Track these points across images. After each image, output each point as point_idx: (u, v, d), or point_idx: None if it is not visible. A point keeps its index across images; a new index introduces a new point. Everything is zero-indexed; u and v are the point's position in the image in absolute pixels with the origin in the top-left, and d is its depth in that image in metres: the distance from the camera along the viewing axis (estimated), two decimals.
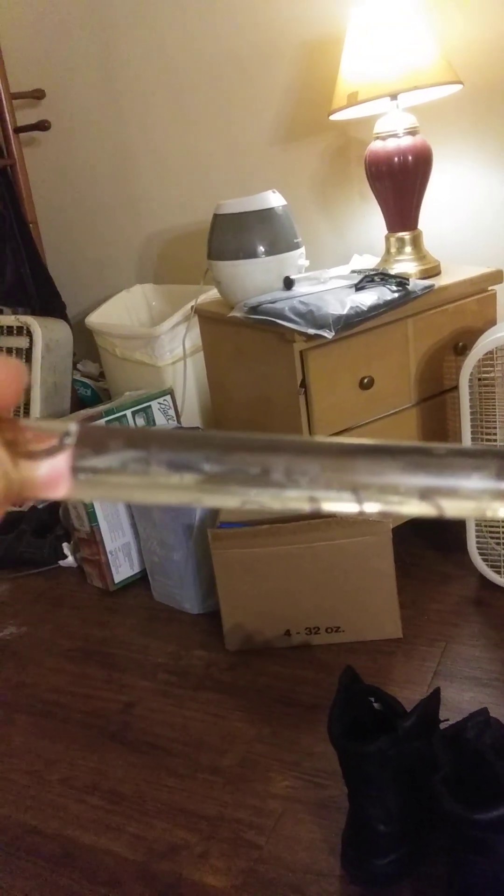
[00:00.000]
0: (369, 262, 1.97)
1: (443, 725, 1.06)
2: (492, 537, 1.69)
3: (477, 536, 1.70)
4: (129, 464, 0.20)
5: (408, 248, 1.86)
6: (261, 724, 1.41)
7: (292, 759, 1.32)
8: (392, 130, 1.76)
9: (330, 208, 2.23)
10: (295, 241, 1.73)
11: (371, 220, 2.15)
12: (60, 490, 0.20)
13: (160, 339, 1.90)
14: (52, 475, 0.20)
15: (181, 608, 1.77)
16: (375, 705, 1.06)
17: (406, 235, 1.85)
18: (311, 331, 1.53)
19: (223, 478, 0.21)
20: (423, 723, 1.02)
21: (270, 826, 1.20)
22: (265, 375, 1.71)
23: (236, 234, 1.69)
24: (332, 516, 1.51)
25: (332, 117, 1.79)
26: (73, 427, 0.21)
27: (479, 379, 1.59)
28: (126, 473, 0.20)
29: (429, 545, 1.91)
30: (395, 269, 1.84)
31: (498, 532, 1.69)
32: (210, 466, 0.21)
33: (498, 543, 1.69)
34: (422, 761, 1.00)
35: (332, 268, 1.97)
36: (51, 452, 0.20)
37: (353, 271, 1.84)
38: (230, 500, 0.21)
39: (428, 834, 1.07)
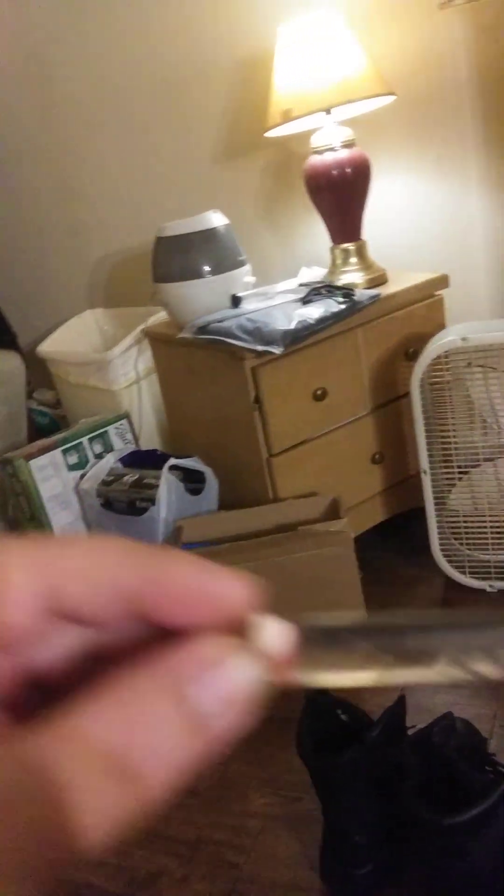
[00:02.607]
0: (318, 273, 1.99)
1: (411, 731, 1.07)
2: (455, 538, 1.71)
3: (440, 538, 1.72)
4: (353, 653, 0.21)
5: (353, 259, 1.88)
6: (237, 743, 1.41)
7: (268, 775, 1.32)
8: (328, 144, 1.78)
9: (276, 223, 2.25)
10: (239, 258, 1.75)
11: (317, 231, 2.17)
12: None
13: (112, 363, 1.90)
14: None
15: None
16: (342, 717, 1.06)
17: (350, 246, 1.87)
18: (260, 347, 1.54)
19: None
20: (390, 731, 1.03)
21: (250, 845, 1.20)
22: (219, 394, 1.72)
23: (180, 256, 1.70)
24: (293, 530, 1.52)
25: (267, 135, 1.81)
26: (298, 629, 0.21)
27: (431, 383, 1.62)
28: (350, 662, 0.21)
29: (395, 550, 1.92)
30: (342, 280, 1.86)
31: (460, 532, 1.70)
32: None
33: (461, 543, 1.71)
34: (392, 769, 1.01)
35: (280, 282, 1.98)
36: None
37: (300, 285, 1.85)
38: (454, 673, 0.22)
39: (406, 841, 1.07)
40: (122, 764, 0.16)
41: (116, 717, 0.16)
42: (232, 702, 0.17)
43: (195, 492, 1.72)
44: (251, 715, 0.16)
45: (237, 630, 0.18)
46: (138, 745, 0.16)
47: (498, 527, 1.67)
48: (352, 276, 1.87)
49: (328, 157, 1.78)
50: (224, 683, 0.17)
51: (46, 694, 0.19)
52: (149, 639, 0.19)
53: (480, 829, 0.91)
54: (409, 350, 1.82)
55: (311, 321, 1.59)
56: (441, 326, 1.87)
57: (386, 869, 1.06)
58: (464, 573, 1.72)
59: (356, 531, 1.84)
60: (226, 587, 0.19)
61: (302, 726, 1.05)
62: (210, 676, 0.17)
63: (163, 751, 0.16)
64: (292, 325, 1.56)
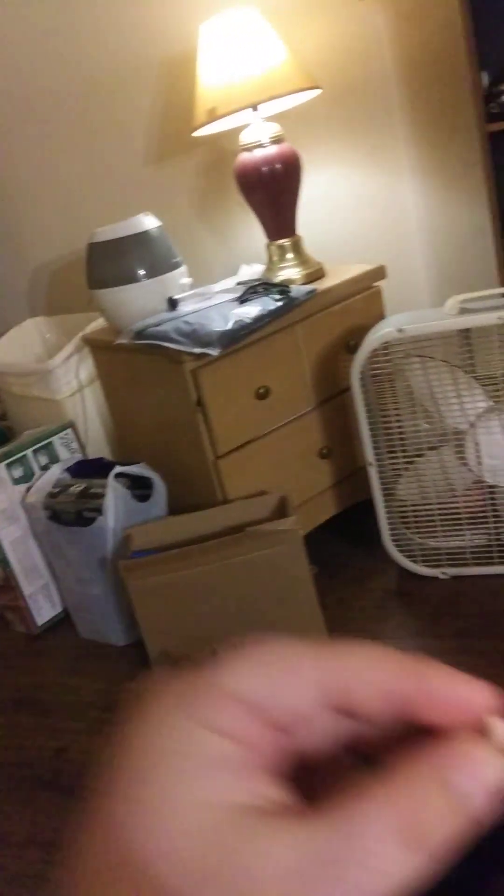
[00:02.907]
0: (257, 271, 1.98)
1: None
2: (405, 527, 1.72)
3: (390, 527, 1.73)
4: None
5: (289, 255, 1.87)
6: None
7: None
8: (257, 141, 1.77)
9: (213, 222, 2.24)
10: (174, 260, 1.73)
11: (255, 228, 2.16)
12: None
13: (54, 372, 1.88)
14: None
15: (108, 641, 1.75)
16: None
17: (286, 242, 1.87)
18: (197, 350, 1.53)
19: None
20: None
21: None
22: (161, 398, 1.70)
23: (113, 261, 1.68)
24: (238, 531, 1.51)
25: (194, 134, 1.80)
26: None
27: (371, 375, 1.62)
28: None
29: (348, 542, 1.93)
30: (280, 276, 1.86)
31: (409, 521, 1.71)
32: None
33: (412, 532, 1.72)
34: None
35: (220, 281, 1.97)
36: None
37: (238, 283, 1.85)
38: None
39: None
40: (415, 835, 0.20)
41: (405, 796, 0.21)
42: (487, 787, 0.21)
43: (143, 498, 1.70)
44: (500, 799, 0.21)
45: (481, 728, 0.23)
46: (421, 821, 0.20)
47: (446, 514, 1.68)
48: (289, 271, 1.86)
49: (257, 154, 1.77)
50: (480, 773, 0.21)
51: (303, 772, 0.24)
52: (402, 733, 0.23)
53: None
54: (350, 343, 1.82)
55: (248, 320, 1.58)
56: (380, 317, 1.87)
57: None
58: (416, 562, 1.73)
59: (308, 527, 1.84)
60: (475, 692, 0.23)
61: None
62: (469, 767, 0.21)
63: (435, 825, 0.20)
64: (229, 326, 1.56)
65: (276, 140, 1.78)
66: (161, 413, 1.73)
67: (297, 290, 1.72)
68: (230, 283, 1.87)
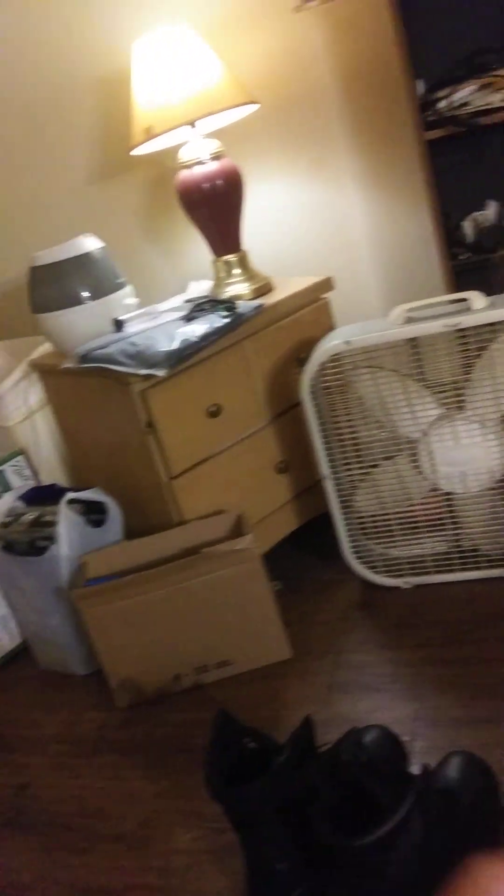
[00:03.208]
0: (206, 287, 1.97)
1: (323, 749, 1.05)
2: (365, 537, 1.71)
3: (350, 539, 1.72)
4: None
5: (236, 270, 1.86)
6: (160, 779, 1.37)
7: (193, 808, 1.29)
8: (196, 158, 1.76)
9: (160, 240, 2.22)
10: (117, 281, 1.71)
11: (202, 245, 2.15)
12: None
13: (3, 398, 1.84)
14: None
15: (70, 672, 1.71)
16: (251, 745, 1.04)
17: (232, 258, 1.85)
18: (144, 371, 1.51)
19: None
20: (298, 754, 1.01)
21: (177, 885, 1.16)
22: (111, 421, 1.68)
23: (55, 284, 1.66)
24: (196, 552, 1.49)
25: (132, 153, 1.78)
26: None
27: (322, 388, 1.61)
28: None
29: (311, 556, 1.91)
30: (228, 292, 1.85)
31: (369, 532, 1.70)
32: None
33: (372, 543, 1.71)
34: (305, 792, 0.99)
35: (169, 298, 1.96)
36: None
37: (186, 301, 1.83)
38: None
39: (329, 862, 1.05)
40: None
41: None
42: None
43: (98, 523, 1.67)
44: None
45: None
46: None
47: (404, 523, 1.67)
48: (237, 287, 1.85)
49: (197, 171, 1.75)
50: None
51: None
52: None
53: (394, 844, 0.89)
54: (301, 356, 1.81)
55: (195, 339, 1.56)
56: (330, 329, 1.87)
57: (313, 892, 1.04)
58: (378, 572, 1.72)
59: (269, 543, 1.83)
60: None
61: (209, 759, 1.02)
62: None
63: None
64: (175, 346, 1.54)
65: (217, 156, 1.77)
66: (112, 436, 1.70)
67: (244, 305, 1.70)
68: (178, 301, 1.86)
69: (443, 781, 1.09)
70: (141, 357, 1.52)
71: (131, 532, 1.74)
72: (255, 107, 1.81)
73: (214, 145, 1.78)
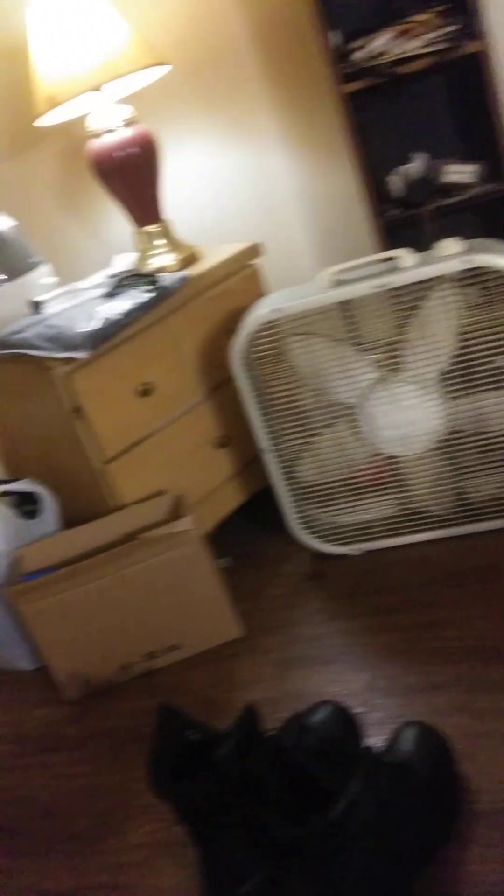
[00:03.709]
0: (130, 260, 1.90)
1: (269, 734, 1.01)
2: (312, 506, 1.67)
3: (297, 510, 1.68)
4: None
5: (159, 241, 1.79)
6: (112, 772, 1.33)
7: (146, 801, 1.25)
8: (107, 126, 1.68)
9: (80, 214, 2.13)
10: (31, 261, 1.63)
11: (124, 216, 2.07)
12: None
13: None
14: None
15: (15, 668, 1.66)
16: (194, 737, 1.00)
17: (154, 229, 1.78)
18: (63, 354, 1.44)
19: None
20: (242, 744, 0.97)
21: (133, 882, 1.12)
22: (37, 408, 1.61)
23: None
24: (133, 539, 1.44)
25: (36, 124, 1.70)
26: None
27: (256, 359, 1.56)
28: None
29: (259, 530, 1.87)
30: (152, 264, 1.78)
31: (314, 501, 1.66)
32: None
33: (318, 511, 1.67)
34: (253, 781, 0.95)
35: (94, 274, 1.88)
36: None
37: (108, 277, 1.76)
38: None
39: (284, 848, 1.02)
40: None
41: None
42: None
43: (32, 515, 1.61)
44: None
45: None
46: None
47: (350, 489, 1.64)
48: (161, 258, 1.78)
49: (109, 140, 1.68)
50: None
51: None
52: None
53: (344, 828, 0.86)
54: (233, 327, 1.76)
55: (117, 317, 1.50)
56: (261, 297, 1.81)
57: (270, 880, 1.01)
58: (327, 542, 1.69)
59: (214, 519, 1.78)
60: None
61: (152, 758, 0.98)
62: None
63: None
64: (96, 325, 1.47)
65: (129, 123, 1.70)
66: (40, 424, 1.63)
67: (167, 278, 1.64)
68: (100, 277, 1.78)
69: (397, 755, 1.07)
70: (60, 340, 1.45)
71: (71, 521, 1.68)
72: (165, 68, 1.73)
73: (126, 111, 1.70)
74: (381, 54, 1.62)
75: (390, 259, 1.46)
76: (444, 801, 1.02)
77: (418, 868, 0.97)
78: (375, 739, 1.21)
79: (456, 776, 1.07)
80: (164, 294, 1.58)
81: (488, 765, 1.10)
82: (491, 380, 1.48)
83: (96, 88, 1.61)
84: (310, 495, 1.66)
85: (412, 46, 1.59)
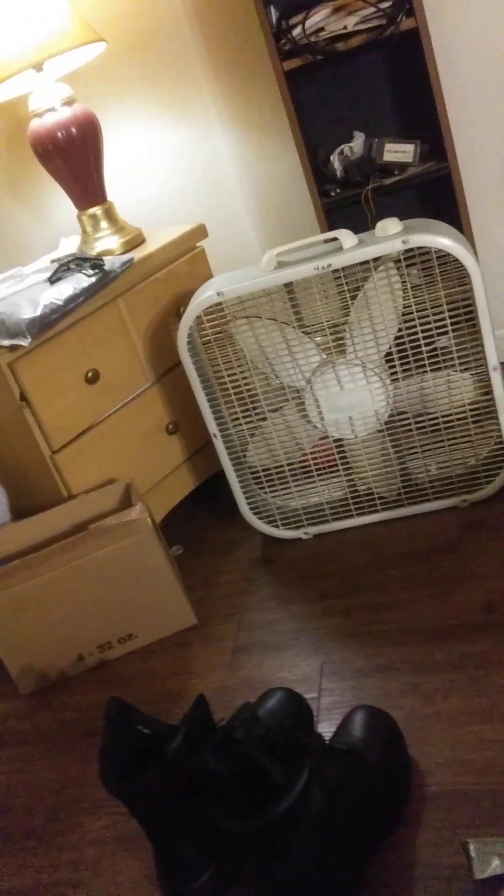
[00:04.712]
0: (76, 243, 1.86)
1: (221, 724, 1.01)
2: (259, 488, 1.67)
3: (247, 496, 1.67)
4: None
5: (103, 223, 1.76)
6: (67, 767, 1.32)
7: (102, 795, 1.24)
8: (47, 105, 1.63)
9: (24, 196, 2.08)
10: None
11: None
12: None
13: None
14: None
15: None
16: (145, 731, 1.00)
17: (97, 210, 1.74)
18: (6, 342, 1.41)
19: None
20: (193, 736, 0.97)
21: (89, 878, 1.12)
22: None
23: None
24: (84, 529, 1.42)
25: None
26: None
27: (202, 342, 1.54)
28: None
29: (211, 516, 1.87)
30: (97, 248, 1.74)
31: (263, 484, 1.66)
32: None
33: (268, 495, 1.67)
34: (204, 774, 0.95)
35: (40, 257, 1.84)
36: None
37: (52, 261, 1.72)
38: None
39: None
40: None
41: None
42: None
43: None
44: None
45: None
46: None
47: (298, 473, 1.64)
48: (106, 241, 1.75)
49: (49, 120, 1.63)
50: None
51: None
52: None
53: (293, 821, 0.87)
54: (180, 310, 1.74)
55: (60, 303, 1.47)
56: (207, 279, 1.79)
57: (225, 873, 1.01)
58: (277, 526, 1.69)
59: (166, 507, 1.77)
60: None
61: (103, 753, 0.98)
62: None
63: None
64: (38, 311, 1.44)
65: (69, 102, 1.65)
66: None
67: (111, 261, 1.61)
68: (44, 261, 1.75)
69: (347, 741, 1.08)
70: (3, 327, 1.42)
71: (21, 512, 1.66)
72: (102, 45, 1.69)
73: (65, 91, 1.65)
74: (318, 31, 1.59)
75: (333, 240, 1.45)
76: (394, 785, 1.03)
77: (367, 853, 0.98)
78: (327, 724, 1.22)
79: (405, 759, 1.09)
80: (107, 278, 1.55)
81: (437, 746, 1.11)
82: (433, 360, 1.48)
83: (37, 67, 1.57)
84: (260, 480, 1.66)
85: (349, 22, 1.57)
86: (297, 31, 1.54)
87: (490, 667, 1.22)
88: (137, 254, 1.69)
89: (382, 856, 0.99)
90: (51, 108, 1.63)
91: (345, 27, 1.52)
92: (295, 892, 0.89)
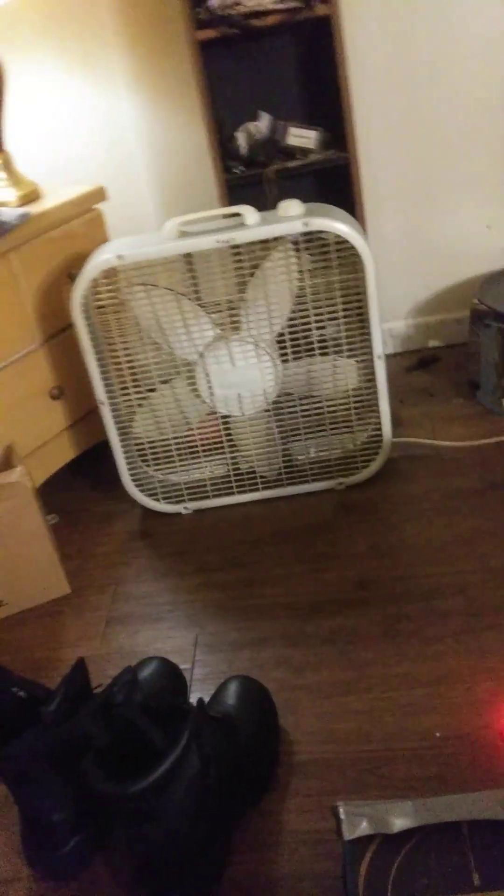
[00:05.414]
0: None
1: (98, 691, 1.01)
2: (143, 461, 1.66)
3: (129, 468, 1.66)
4: None
5: (0, 174, 1.68)
6: None
7: None
8: None
9: None
10: None
11: None
12: None
13: None
14: None
15: None
16: (21, 694, 0.97)
17: None
18: None
19: None
20: (71, 701, 0.95)
21: None
22: None
23: None
24: None
25: None
26: None
27: (96, 307, 1.51)
28: None
29: (90, 486, 1.84)
30: None
31: (148, 458, 1.65)
32: None
33: (150, 468, 1.66)
34: (80, 740, 0.94)
35: None
36: None
37: None
38: None
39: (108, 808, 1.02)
40: None
41: None
42: None
43: None
44: None
45: None
46: None
47: (183, 447, 1.64)
48: (1, 193, 1.68)
49: None
50: None
51: None
52: None
53: (169, 786, 0.87)
54: (73, 272, 1.69)
55: None
56: (104, 243, 1.75)
57: (93, 839, 1.01)
58: (157, 500, 1.68)
59: (45, 474, 1.72)
60: None
61: None
62: None
63: None
64: None
65: None
66: None
67: (7, 213, 1.55)
68: None
69: (221, 709, 1.09)
70: None
71: None
72: None
73: None
74: (236, 3, 1.58)
75: (236, 215, 1.45)
76: (265, 753, 1.06)
77: (237, 818, 1.00)
78: (200, 694, 1.23)
79: (276, 728, 1.11)
80: (3, 229, 1.49)
81: (306, 716, 1.15)
82: (320, 345, 1.52)
83: None
84: (144, 452, 1.65)
85: (267, 0, 1.57)
86: (214, 1, 1.53)
87: (358, 641, 1.26)
88: (33, 209, 1.63)
89: (252, 821, 1.01)
90: None
91: (260, 3, 1.53)
92: (167, 855, 0.90)
